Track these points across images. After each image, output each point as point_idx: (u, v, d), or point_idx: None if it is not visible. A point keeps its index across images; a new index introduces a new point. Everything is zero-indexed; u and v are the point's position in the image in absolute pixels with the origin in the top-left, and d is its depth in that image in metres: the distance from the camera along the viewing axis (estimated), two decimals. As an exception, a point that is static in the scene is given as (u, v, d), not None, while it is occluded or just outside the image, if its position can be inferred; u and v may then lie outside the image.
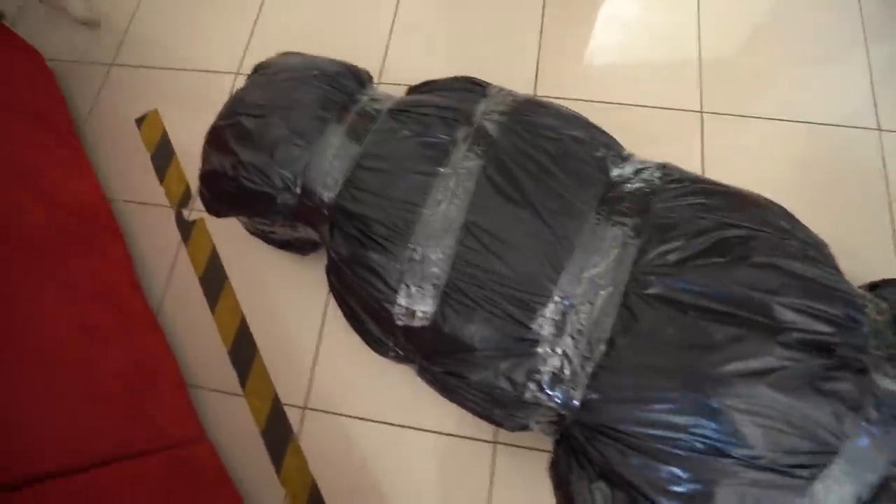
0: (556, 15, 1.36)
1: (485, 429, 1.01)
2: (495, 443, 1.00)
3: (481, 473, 0.99)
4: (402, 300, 0.79)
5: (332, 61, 0.99)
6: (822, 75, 1.25)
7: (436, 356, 0.80)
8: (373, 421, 1.04)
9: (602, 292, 0.74)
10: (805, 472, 0.60)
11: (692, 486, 0.63)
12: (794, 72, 1.26)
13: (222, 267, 1.19)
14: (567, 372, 0.73)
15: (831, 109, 1.21)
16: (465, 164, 0.82)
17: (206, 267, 1.20)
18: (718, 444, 0.62)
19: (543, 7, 1.37)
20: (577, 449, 0.73)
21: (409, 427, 1.03)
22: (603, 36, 1.35)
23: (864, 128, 1.18)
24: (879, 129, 1.18)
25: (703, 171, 1.15)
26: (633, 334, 0.71)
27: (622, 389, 0.71)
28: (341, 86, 0.92)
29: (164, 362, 1.03)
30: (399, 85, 1.31)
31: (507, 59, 1.32)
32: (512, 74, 1.27)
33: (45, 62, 1.43)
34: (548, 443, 0.83)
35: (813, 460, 0.60)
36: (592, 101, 1.25)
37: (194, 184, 1.29)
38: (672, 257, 0.72)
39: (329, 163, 0.86)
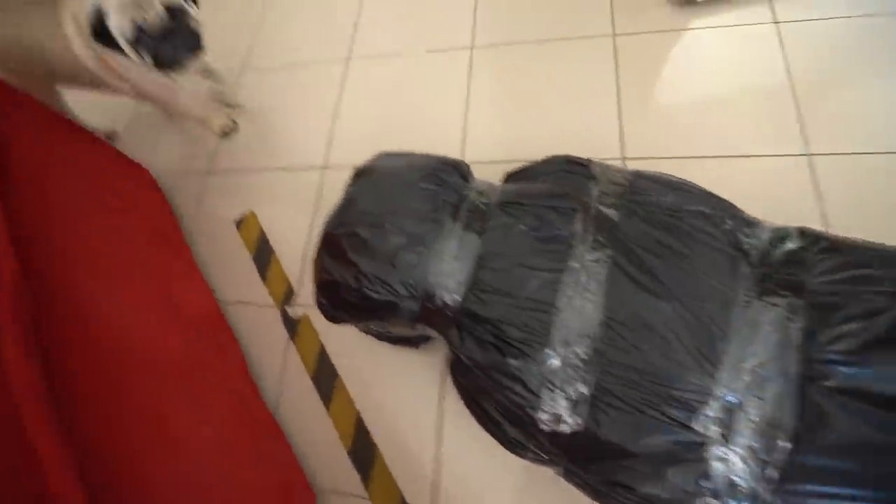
0: (630, 74, 1.36)
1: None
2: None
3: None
4: (546, 406, 0.76)
5: (430, 157, 1.02)
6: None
7: (588, 462, 0.76)
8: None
9: (771, 384, 0.68)
10: None
11: None
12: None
13: (332, 364, 1.21)
14: (744, 477, 0.67)
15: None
16: (591, 256, 0.80)
17: (317, 365, 1.22)
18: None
19: (616, 69, 1.37)
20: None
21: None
22: (681, 86, 1.33)
23: None
24: None
25: (826, 222, 1.07)
26: (820, 433, 0.64)
27: (810, 496, 0.64)
28: (447, 183, 0.94)
29: (293, 472, 1.03)
30: (484, 163, 1.33)
31: (588, 127, 1.32)
32: (596, 142, 1.27)
33: (152, 176, 1.56)
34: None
35: None
36: (685, 158, 1.21)
37: (295, 281, 1.34)
38: (852, 342, 0.66)
39: (449, 265, 0.86)
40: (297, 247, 1.39)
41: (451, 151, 1.36)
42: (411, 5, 1.71)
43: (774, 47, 1.30)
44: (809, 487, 0.64)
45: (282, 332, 1.29)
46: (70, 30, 1.19)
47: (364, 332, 1.10)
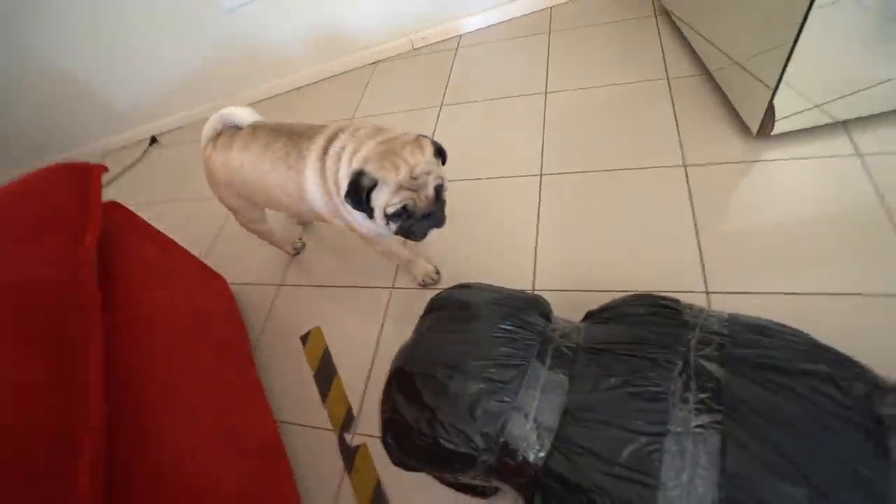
0: (706, 203, 1.34)
1: None
2: None
3: None
4: None
5: (510, 294, 0.99)
6: None
7: None
8: None
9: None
10: None
11: None
12: None
13: (388, 501, 1.11)
14: None
15: None
16: (698, 421, 0.71)
17: (371, 500, 1.12)
18: None
19: (690, 198, 1.36)
20: None
21: None
22: (763, 212, 1.28)
23: None
24: None
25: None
26: None
27: None
28: (531, 325, 0.90)
29: None
30: (554, 291, 1.29)
31: (667, 261, 1.27)
32: (678, 278, 1.21)
33: (230, 289, 1.64)
34: None
35: None
36: (776, 294, 1.13)
37: (356, 405, 1.29)
38: None
39: (532, 417, 0.80)
40: (359, 367, 1.36)
41: (522, 277, 1.36)
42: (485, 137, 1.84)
43: (861, 177, 1.25)
44: None
45: (338, 460, 1.21)
46: (311, 184, 1.16)
47: (432, 475, 1.01)
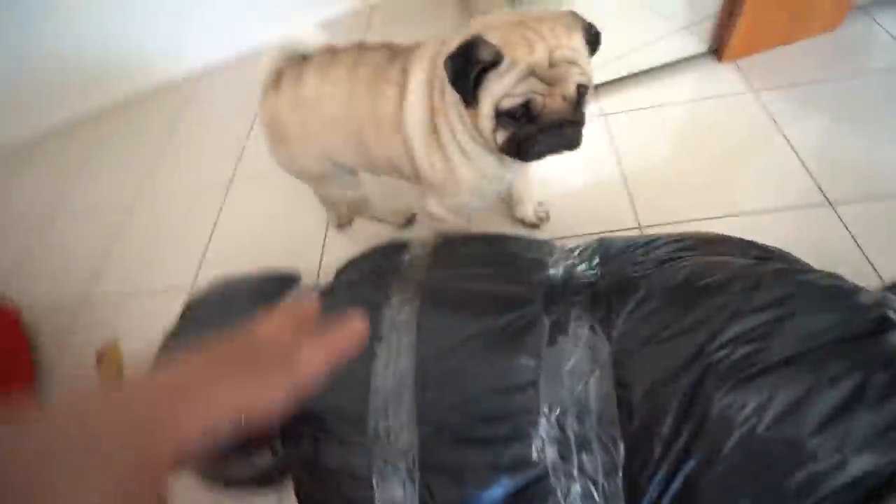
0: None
1: None
2: None
3: None
4: (379, 493, 0.65)
5: (258, 275, 0.98)
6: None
7: None
8: None
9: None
10: None
11: None
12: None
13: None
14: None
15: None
16: (399, 318, 0.75)
17: None
18: None
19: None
20: None
21: None
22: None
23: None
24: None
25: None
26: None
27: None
28: (267, 296, 0.89)
29: None
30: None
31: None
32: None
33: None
34: None
35: None
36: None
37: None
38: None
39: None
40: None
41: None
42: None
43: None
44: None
45: None
46: (414, 97, 0.87)
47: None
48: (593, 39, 0.77)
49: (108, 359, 1.35)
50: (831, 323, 0.57)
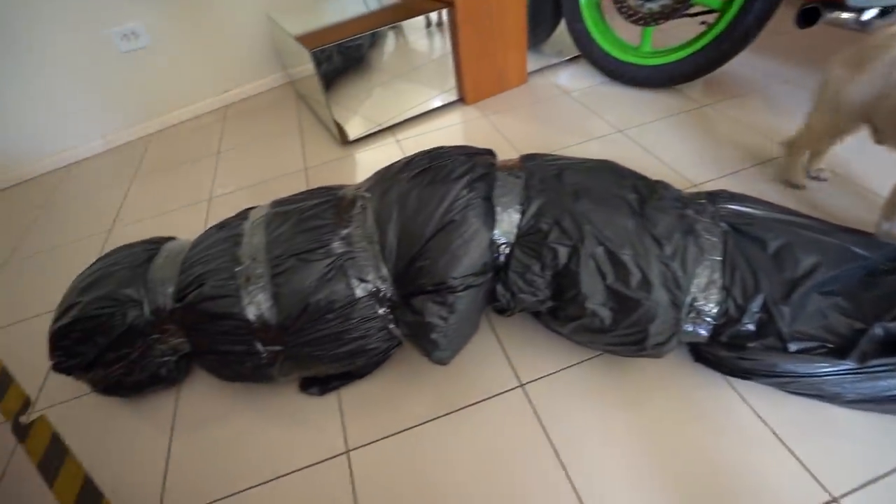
0: (325, 180, 1.98)
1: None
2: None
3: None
4: (249, 313, 1.02)
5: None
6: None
7: (297, 337, 1.02)
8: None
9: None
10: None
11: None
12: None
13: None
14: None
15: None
16: (256, 218, 1.19)
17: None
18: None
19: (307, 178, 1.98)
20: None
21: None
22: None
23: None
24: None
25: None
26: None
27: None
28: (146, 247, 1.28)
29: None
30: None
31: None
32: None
33: None
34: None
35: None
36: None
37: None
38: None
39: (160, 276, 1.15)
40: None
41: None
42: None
43: (398, 153, 2.10)
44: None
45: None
46: None
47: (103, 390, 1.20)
48: None
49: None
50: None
